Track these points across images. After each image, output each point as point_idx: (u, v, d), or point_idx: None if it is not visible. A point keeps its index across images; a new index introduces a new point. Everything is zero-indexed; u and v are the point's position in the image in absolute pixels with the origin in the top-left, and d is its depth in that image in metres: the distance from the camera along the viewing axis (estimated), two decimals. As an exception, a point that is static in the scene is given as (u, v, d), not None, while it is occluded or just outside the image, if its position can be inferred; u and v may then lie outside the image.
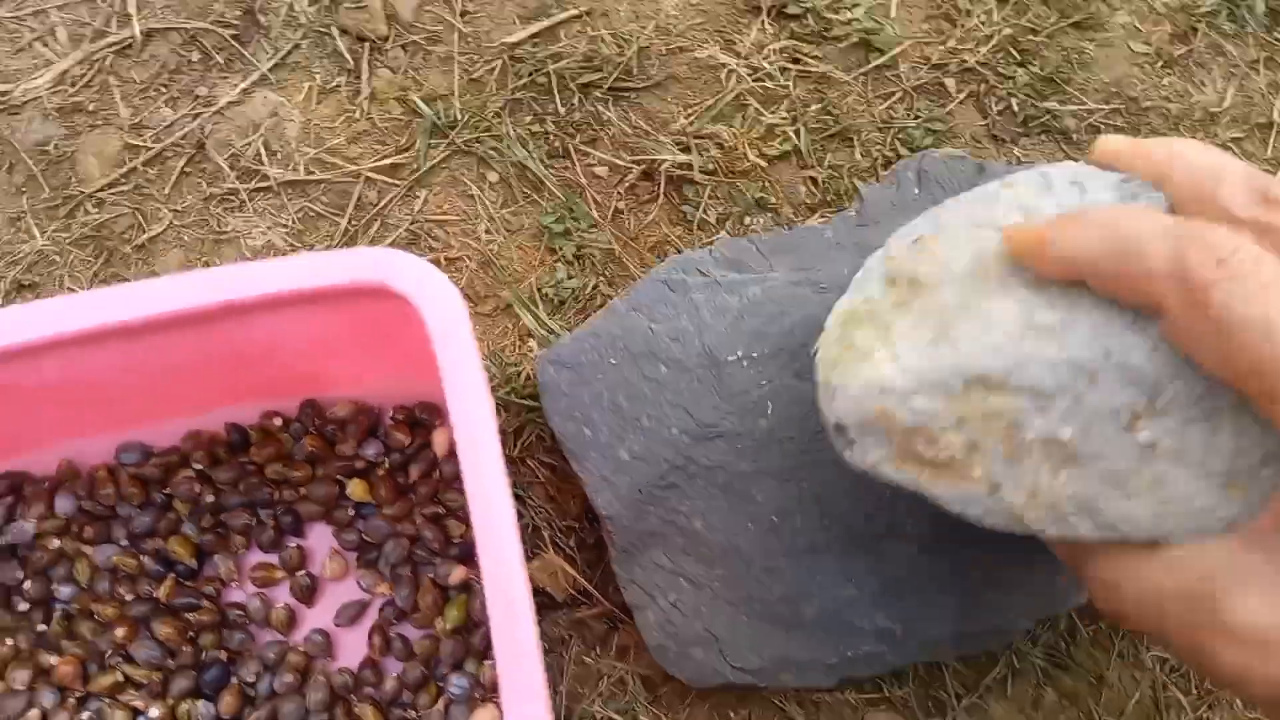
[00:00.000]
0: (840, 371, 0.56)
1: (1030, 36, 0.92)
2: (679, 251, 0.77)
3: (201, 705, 0.72)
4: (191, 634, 0.74)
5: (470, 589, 0.74)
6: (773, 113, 0.88)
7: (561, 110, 0.89)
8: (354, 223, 0.86)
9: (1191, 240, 0.44)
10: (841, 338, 0.57)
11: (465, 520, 0.76)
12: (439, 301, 0.60)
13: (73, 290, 0.83)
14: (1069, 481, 0.50)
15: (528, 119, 0.88)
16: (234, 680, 0.73)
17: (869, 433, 0.55)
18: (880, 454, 0.55)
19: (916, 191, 0.78)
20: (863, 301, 0.58)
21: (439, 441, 0.77)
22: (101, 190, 0.87)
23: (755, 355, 0.72)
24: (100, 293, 0.61)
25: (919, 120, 0.88)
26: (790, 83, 0.89)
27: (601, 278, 0.84)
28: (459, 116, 0.88)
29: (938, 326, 0.53)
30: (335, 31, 0.91)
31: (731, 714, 0.76)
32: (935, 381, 0.52)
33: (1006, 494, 0.52)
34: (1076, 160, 0.83)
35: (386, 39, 0.91)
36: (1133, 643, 0.77)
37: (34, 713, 0.71)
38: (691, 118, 0.88)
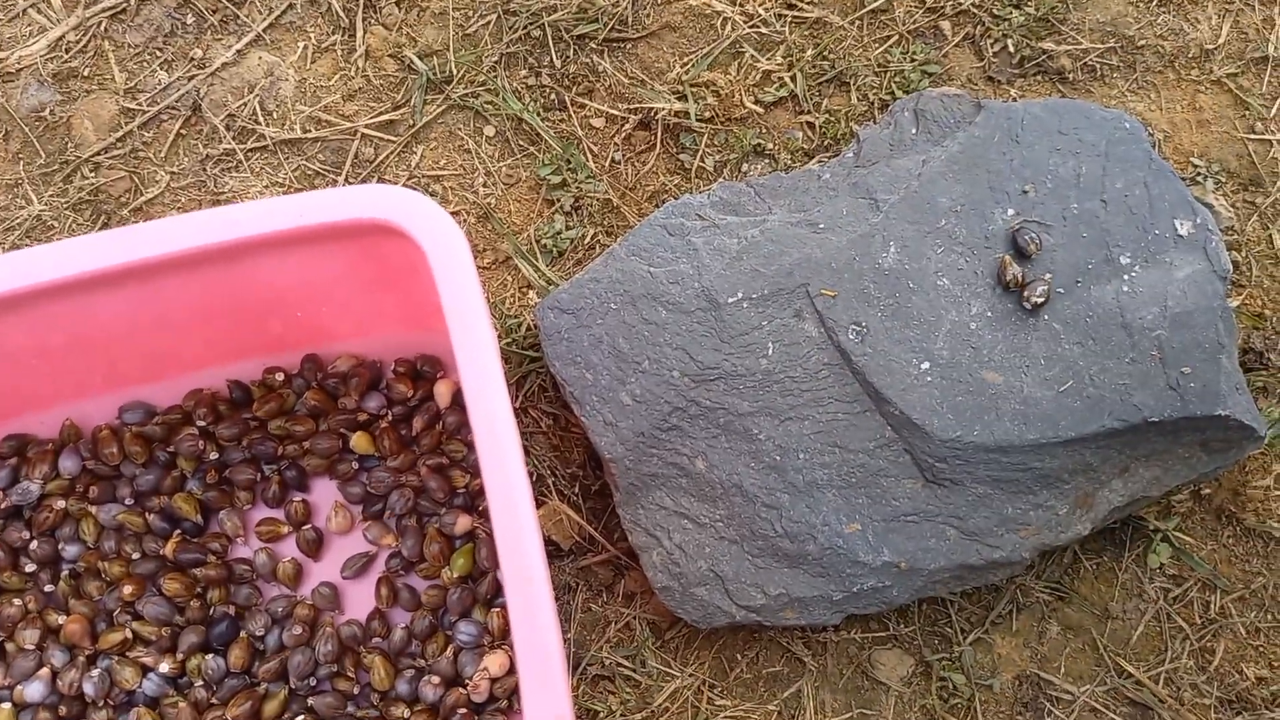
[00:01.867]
0: None
1: (1026, -22, 0.91)
2: (679, 198, 0.77)
3: (211, 659, 0.72)
4: (199, 590, 0.74)
5: (476, 538, 0.74)
6: (768, 59, 0.88)
7: (557, 62, 0.88)
8: (351, 179, 0.86)
9: None
10: None
11: (469, 470, 0.76)
12: (442, 237, 0.60)
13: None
14: None
15: (523, 72, 0.88)
16: (243, 634, 0.73)
17: None
18: None
19: (914, 131, 0.78)
20: None
21: (441, 392, 0.77)
22: (97, 155, 0.86)
23: (754, 296, 0.71)
24: (101, 235, 0.60)
25: (915, 63, 0.87)
26: (786, 28, 0.89)
27: (600, 228, 0.84)
28: (454, 71, 0.88)
29: None
30: (327, -10, 0.91)
31: (739, 656, 0.76)
32: None
33: None
34: (1073, 99, 0.83)
35: (379, -4, 0.91)
36: (1136, 574, 0.77)
37: (44, 671, 0.71)
38: (687, 66, 0.88)
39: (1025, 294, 0.69)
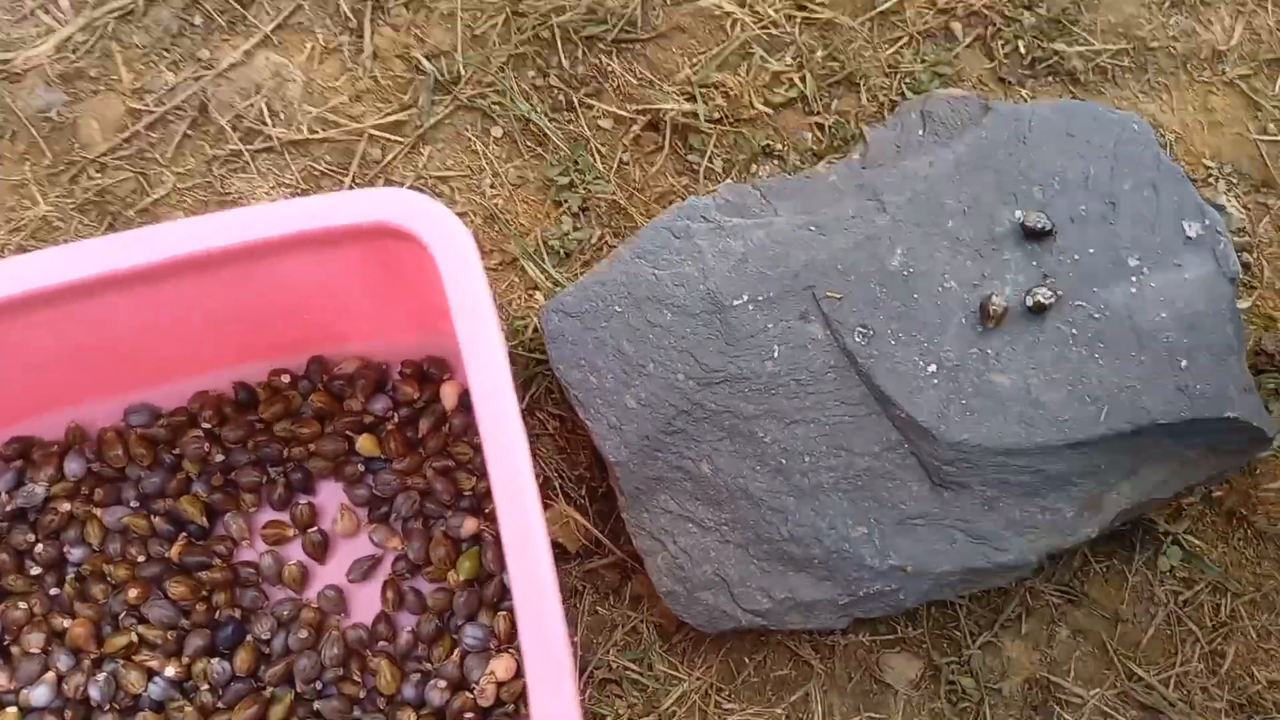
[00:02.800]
0: None
1: (1036, -22, 0.91)
2: (685, 200, 0.77)
3: (217, 663, 0.72)
4: (204, 593, 0.74)
5: (482, 541, 0.74)
6: (778, 60, 0.88)
7: (565, 63, 0.88)
8: (358, 180, 0.85)
9: None
10: None
11: (476, 472, 0.75)
12: (450, 240, 0.60)
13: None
14: None
15: (531, 73, 0.88)
16: (248, 638, 0.73)
17: None
18: None
19: (921, 132, 0.77)
20: None
21: (448, 394, 0.77)
22: (104, 155, 0.87)
23: (760, 299, 0.71)
24: (108, 239, 0.60)
25: (926, 64, 0.87)
26: (796, 29, 0.88)
27: (608, 229, 0.84)
28: (462, 72, 0.87)
29: None
30: (334, -9, 0.91)
31: (746, 660, 0.75)
32: None
33: None
34: (1083, 100, 0.83)
35: (386, -3, 0.90)
36: (1146, 577, 0.76)
37: (49, 675, 0.71)
38: (696, 67, 0.88)
39: (1028, 297, 0.69)
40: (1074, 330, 0.69)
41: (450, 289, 0.58)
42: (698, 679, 0.75)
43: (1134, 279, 0.70)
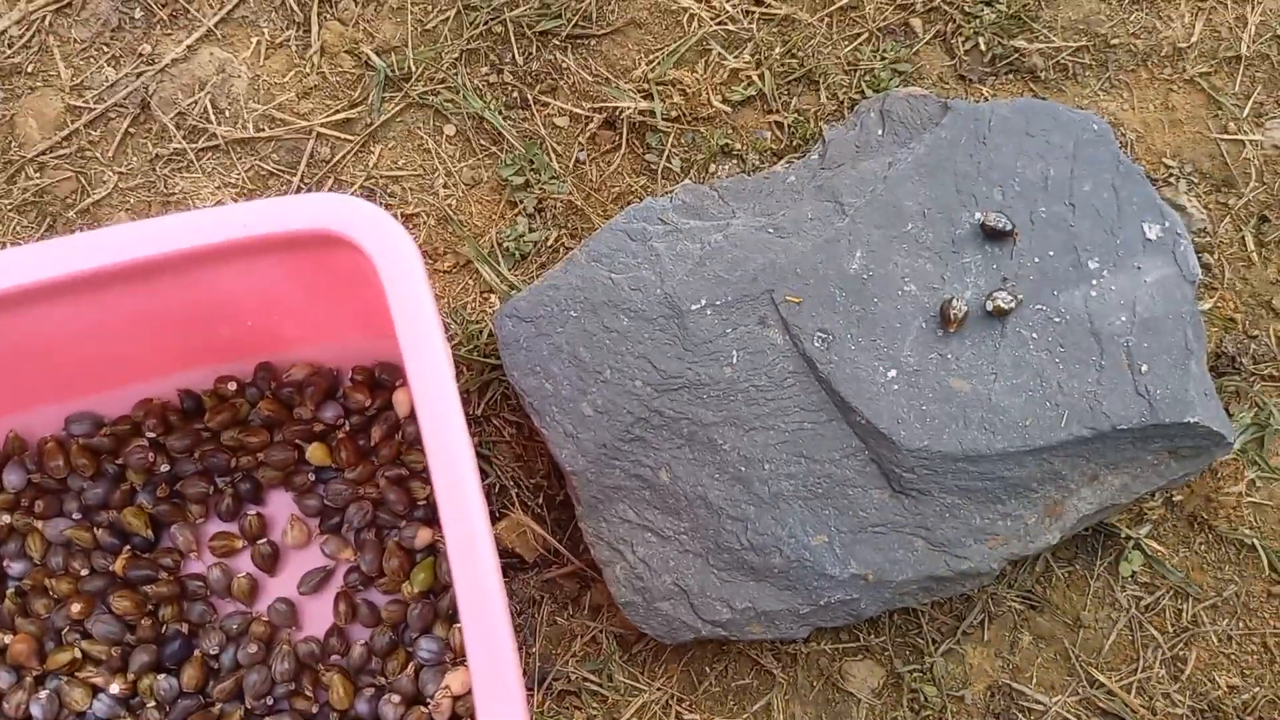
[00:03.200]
0: None
1: (996, -27, 0.90)
2: (642, 201, 0.75)
3: (163, 680, 0.70)
4: (150, 607, 0.72)
5: (437, 551, 0.73)
6: (736, 57, 0.86)
7: (519, 59, 0.86)
8: (306, 180, 0.83)
9: None
10: None
11: (429, 481, 0.74)
12: (392, 248, 0.58)
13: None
14: None
15: (484, 69, 0.86)
16: (196, 653, 0.71)
17: None
18: None
19: (880, 132, 0.76)
20: None
21: (400, 402, 0.75)
22: (43, 154, 0.84)
23: (718, 303, 0.70)
24: (40, 246, 0.58)
25: (885, 61, 0.86)
26: (754, 25, 0.87)
27: (564, 230, 0.82)
28: (413, 68, 0.85)
29: None
30: (282, -16, 0.88)
31: (707, 669, 0.74)
32: None
33: None
34: (1044, 99, 0.82)
35: (335, -9, 0.88)
36: (1108, 582, 0.76)
37: (-10, 692, 0.69)
38: (653, 64, 0.86)
39: (988, 301, 0.68)
40: (1034, 335, 0.68)
41: (393, 300, 0.57)
42: (658, 689, 0.74)
43: (1094, 282, 0.69)
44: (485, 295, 0.81)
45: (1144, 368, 0.67)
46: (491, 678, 0.52)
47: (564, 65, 0.86)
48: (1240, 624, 0.75)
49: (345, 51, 0.86)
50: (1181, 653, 0.74)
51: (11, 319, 0.62)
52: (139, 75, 0.86)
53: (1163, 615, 0.75)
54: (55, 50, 0.87)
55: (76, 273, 0.58)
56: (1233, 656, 0.74)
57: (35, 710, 0.69)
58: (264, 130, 0.84)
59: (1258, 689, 0.74)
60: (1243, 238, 0.82)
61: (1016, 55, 0.86)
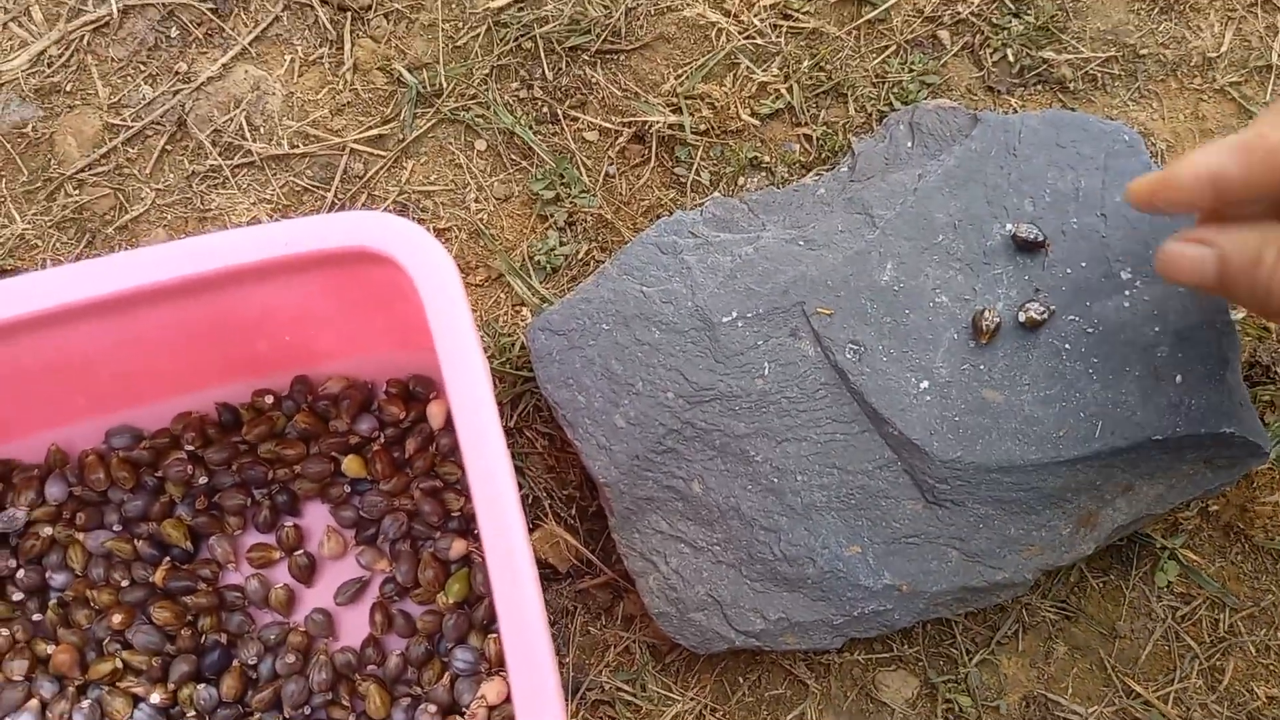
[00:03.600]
0: None
1: (1024, -16, 0.90)
2: (672, 214, 0.76)
3: (203, 689, 0.71)
4: (189, 618, 0.73)
5: (471, 562, 0.73)
6: (764, 70, 0.87)
7: (549, 75, 0.87)
8: (340, 196, 0.84)
9: None
10: None
11: (463, 493, 0.75)
12: (430, 264, 0.59)
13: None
14: None
15: (515, 85, 0.87)
16: (235, 663, 0.72)
17: None
18: None
19: (909, 145, 0.76)
20: None
21: (434, 414, 0.76)
22: (81, 171, 0.85)
23: (749, 315, 0.70)
24: (81, 266, 0.59)
25: (913, 73, 0.86)
26: (782, 39, 0.87)
27: (595, 243, 0.83)
28: (444, 84, 0.86)
29: None
30: (316, 1, 0.89)
31: (740, 679, 0.75)
32: None
33: None
34: (1074, 110, 0.82)
35: (369, 8, 0.89)
36: (1144, 592, 0.75)
37: (33, 703, 0.70)
38: (682, 78, 0.87)
39: (1020, 312, 0.68)
40: (1067, 345, 0.68)
41: (431, 314, 0.58)
42: (691, 699, 0.74)
43: (1127, 292, 0.69)
44: (517, 308, 0.82)
45: (1178, 378, 0.67)
46: (531, 690, 0.53)
47: (593, 80, 0.87)
48: (1278, 634, 0.75)
49: (378, 69, 0.87)
50: (1219, 663, 0.74)
51: (54, 336, 0.63)
52: (175, 93, 0.87)
53: (1199, 625, 0.75)
54: (93, 69, 0.88)
55: (114, 293, 0.59)
56: (1271, 667, 0.74)
57: (78, 719, 0.69)
58: (298, 147, 0.85)
59: (1295, 700, 0.73)
60: (1275, 246, 0.82)
61: (1045, 66, 0.86)
